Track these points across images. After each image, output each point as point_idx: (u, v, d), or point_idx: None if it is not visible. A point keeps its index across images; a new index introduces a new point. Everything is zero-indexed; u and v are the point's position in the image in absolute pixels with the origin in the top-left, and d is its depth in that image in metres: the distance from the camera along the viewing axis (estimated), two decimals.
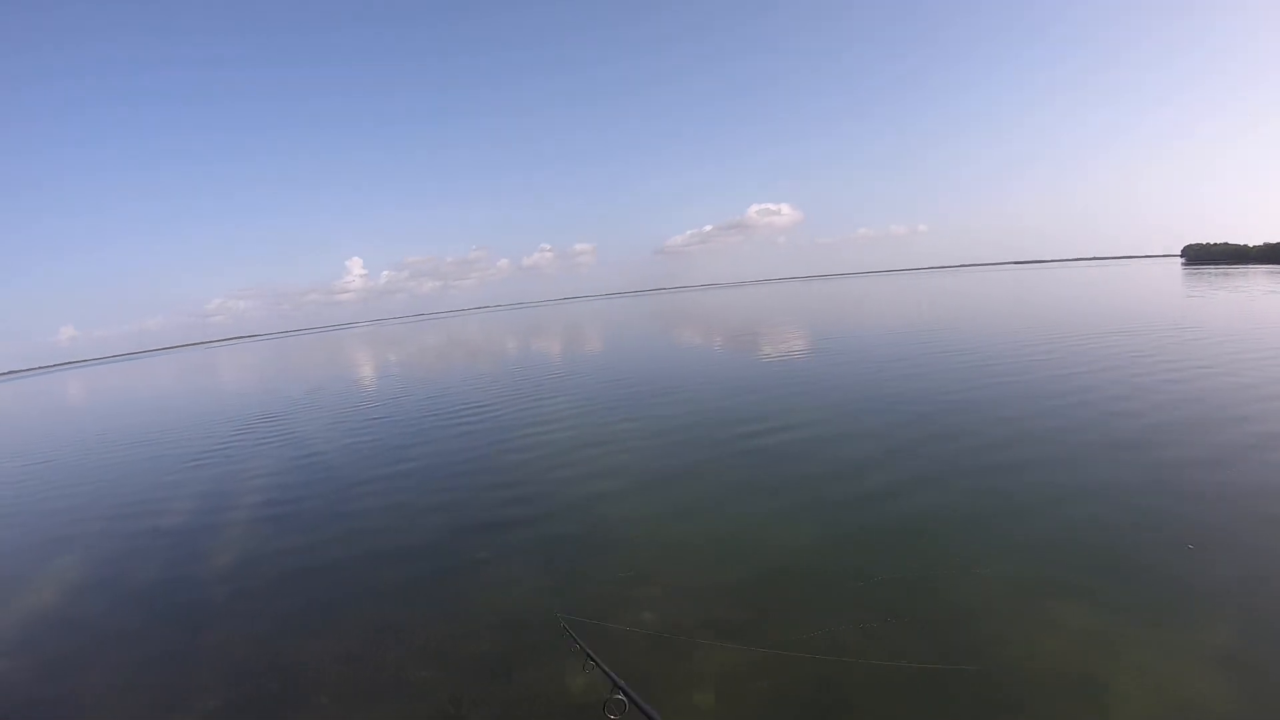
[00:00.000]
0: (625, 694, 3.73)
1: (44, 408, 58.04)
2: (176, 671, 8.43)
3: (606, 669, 4.23)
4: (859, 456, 13.63)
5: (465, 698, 6.89)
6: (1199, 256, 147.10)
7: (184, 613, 10.22)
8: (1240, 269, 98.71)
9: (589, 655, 4.75)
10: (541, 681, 7.00)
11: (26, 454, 29.11)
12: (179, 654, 8.89)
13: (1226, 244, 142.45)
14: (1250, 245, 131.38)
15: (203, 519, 14.91)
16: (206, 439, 25.62)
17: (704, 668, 6.81)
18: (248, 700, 7.54)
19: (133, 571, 12.31)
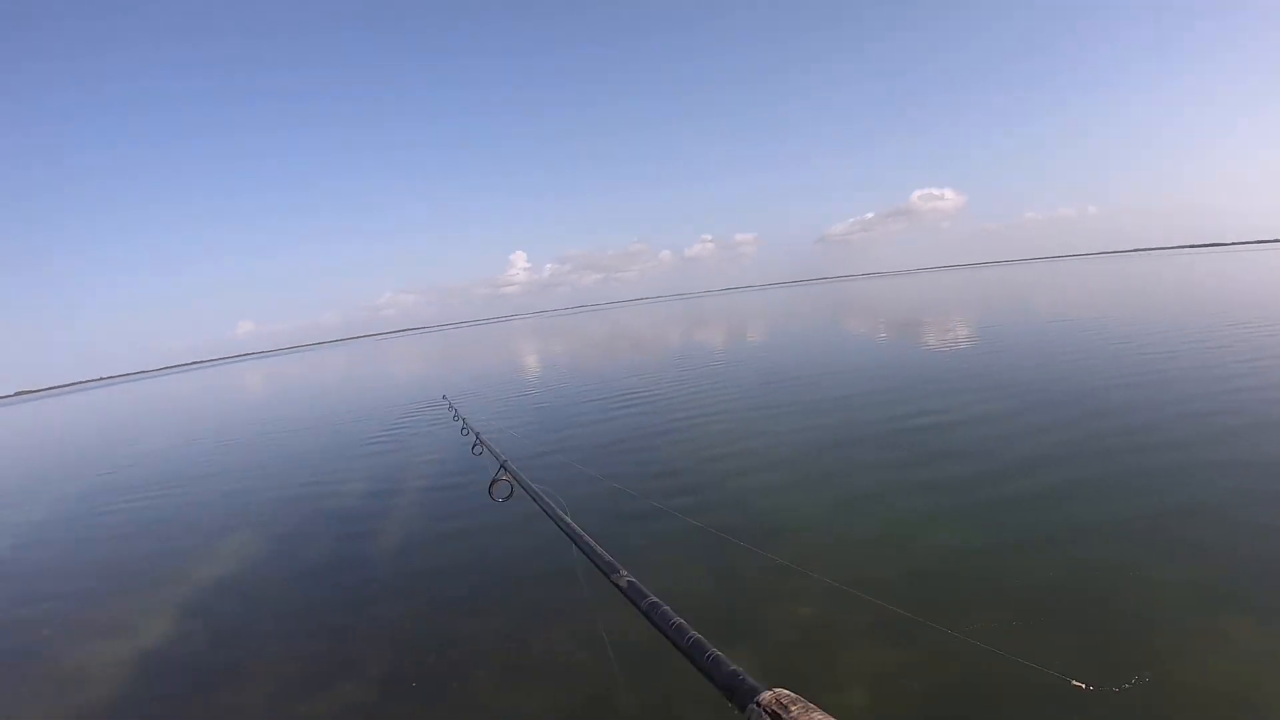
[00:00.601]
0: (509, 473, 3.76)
1: (223, 396, 63.80)
2: (341, 643, 8.72)
3: (495, 451, 4.15)
4: (1027, 453, 12.67)
5: (620, 681, 6.80)
6: None
7: (349, 589, 10.57)
8: None
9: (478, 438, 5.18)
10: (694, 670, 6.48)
11: (207, 437, 32.01)
12: (343, 627, 9.18)
13: None
14: None
15: (370, 501, 15.58)
16: (377, 425, 27.06)
17: (858, 666, 6.61)
18: (409, 673, 7.74)
19: (303, 548, 12.93)
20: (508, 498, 5.00)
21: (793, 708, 0.83)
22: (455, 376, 47.01)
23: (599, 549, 1.75)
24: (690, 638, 1.14)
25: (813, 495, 11.72)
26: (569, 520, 2.13)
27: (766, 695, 0.88)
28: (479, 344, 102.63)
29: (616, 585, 1.46)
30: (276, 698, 7.69)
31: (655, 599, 1.29)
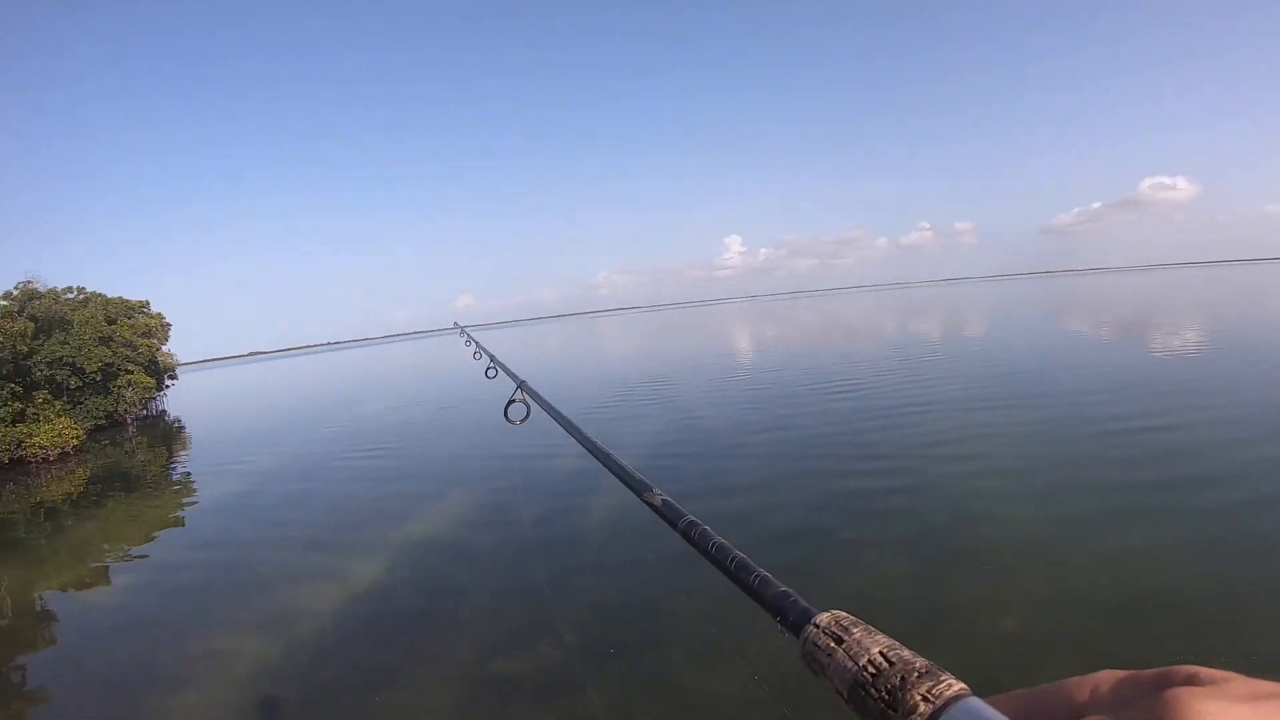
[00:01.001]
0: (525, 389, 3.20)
1: (450, 365, 68.78)
2: (539, 606, 9.37)
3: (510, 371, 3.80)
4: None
5: (804, 676, 7.21)
6: None
7: (553, 553, 11.38)
8: None
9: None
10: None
11: (426, 402, 35.74)
12: (540, 590, 9.86)
13: None
14: None
15: (582, 473, 15.92)
16: (600, 396, 28.63)
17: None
18: (603, 640, 8.28)
19: (513, 513, 14.03)
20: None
21: (854, 629, 0.77)
22: (669, 355, 48.34)
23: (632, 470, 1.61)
24: (734, 558, 1.03)
25: (1033, 503, 11.14)
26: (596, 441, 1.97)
27: (824, 616, 0.83)
28: (692, 325, 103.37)
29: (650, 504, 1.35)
30: (479, 652, 8.36)
31: (693, 517, 1.18)
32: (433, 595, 10.44)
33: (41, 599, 13.24)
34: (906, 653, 0.68)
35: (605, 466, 1.79)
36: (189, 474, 24.53)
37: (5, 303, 40.24)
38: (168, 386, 53.47)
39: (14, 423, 32.45)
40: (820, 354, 38.07)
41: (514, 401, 3.11)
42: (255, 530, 15.46)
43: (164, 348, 51.83)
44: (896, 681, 0.64)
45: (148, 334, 47.72)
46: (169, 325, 51.73)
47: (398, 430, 27.43)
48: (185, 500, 20.46)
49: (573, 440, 2.11)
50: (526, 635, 8.63)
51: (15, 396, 33.42)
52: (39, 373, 38.69)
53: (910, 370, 27.28)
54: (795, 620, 0.87)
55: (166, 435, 38.89)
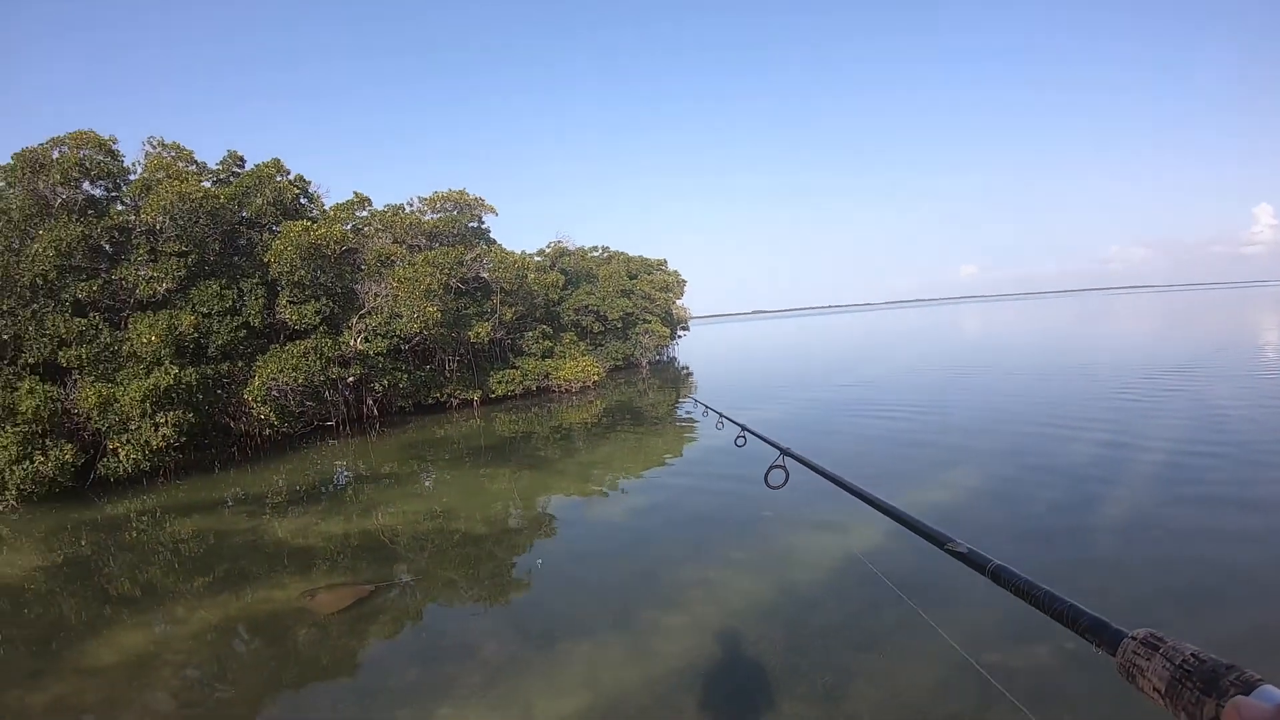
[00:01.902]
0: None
1: (940, 332, 65.67)
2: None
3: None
4: None
5: None
6: None
7: (1074, 534, 10.44)
8: None
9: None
10: None
11: (939, 369, 34.83)
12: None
13: None
14: None
15: (1101, 451, 15.34)
16: (1117, 380, 26.39)
17: None
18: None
19: (1026, 492, 13.02)
20: None
21: (1166, 640, 0.91)
22: (1196, 343, 41.43)
23: None
24: (1043, 590, 1.19)
25: None
26: None
27: (1138, 632, 0.97)
28: (1218, 310, 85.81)
29: None
30: (973, 640, 7.62)
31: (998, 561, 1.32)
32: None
33: (548, 503, 15.40)
34: (1213, 654, 0.86)
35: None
36: (690, 416, 26.65)
37: (539, 258, 48.12)
38: (679, 336, 59.22)
39: (544, 358, 38.67)
40: None
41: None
42: (754, 472, 15.92)
43: (678, 301, 56.96)
44: (1208, 674, 0.83)
45: (665, 288, 53.09)
46: (684, 281, 56.73)
47: (914, 394, 27.38)
48: (686, 437, 22.34)
49: None
50: None
51: (546, 336, 39.87)
52: (566, 317, 45.62)
53: None
54: (1110, 638, 1.04)
55: (674, 379, 43.25)
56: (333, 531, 13.99)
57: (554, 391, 37.31)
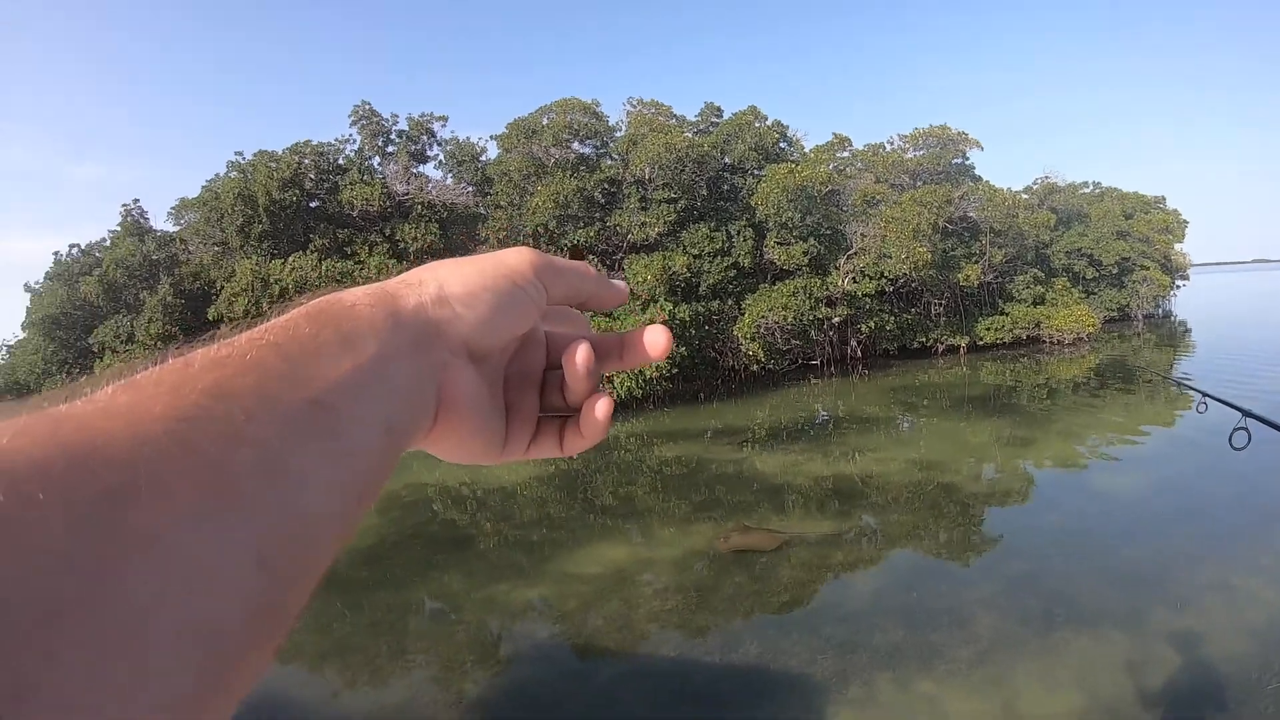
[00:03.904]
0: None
1: None
2: None
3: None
4: None
5: None
6: None
7: None
8: None
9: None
10: None
11: None
12: None
13: None
14: None
15: None
16: None
17: None
18: None
19: None
20: None
21: None
22: None
23: None
24: None
25: None
26: None
27: None
28: None
29: None
30: None
31: None
32: None
33: (1030, 465, 14.29)
34: None
35: None
36: (1188, 383, 21.87)
37: (1025, 196, 43.24)
38: (1178, 287, 50.98)
39: (1035, 304, 35.40)
40: None
41: None
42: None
43: (1177, 246, 49.27)
44: None
45: (1164, 229, 45.89)
46: (1185, 223, 48.78)
47: None
48: (1178, 410, 18.99)
49: None
50: None
51: (1037, 281, 36.32)
52: (1057, 261, 40.70)
53: None
54: None
55: (1171, 336, 38.08)
56: (810, 470, 14.27)
57: (1043, 342, 34.25)
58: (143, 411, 0.30)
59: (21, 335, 30.63)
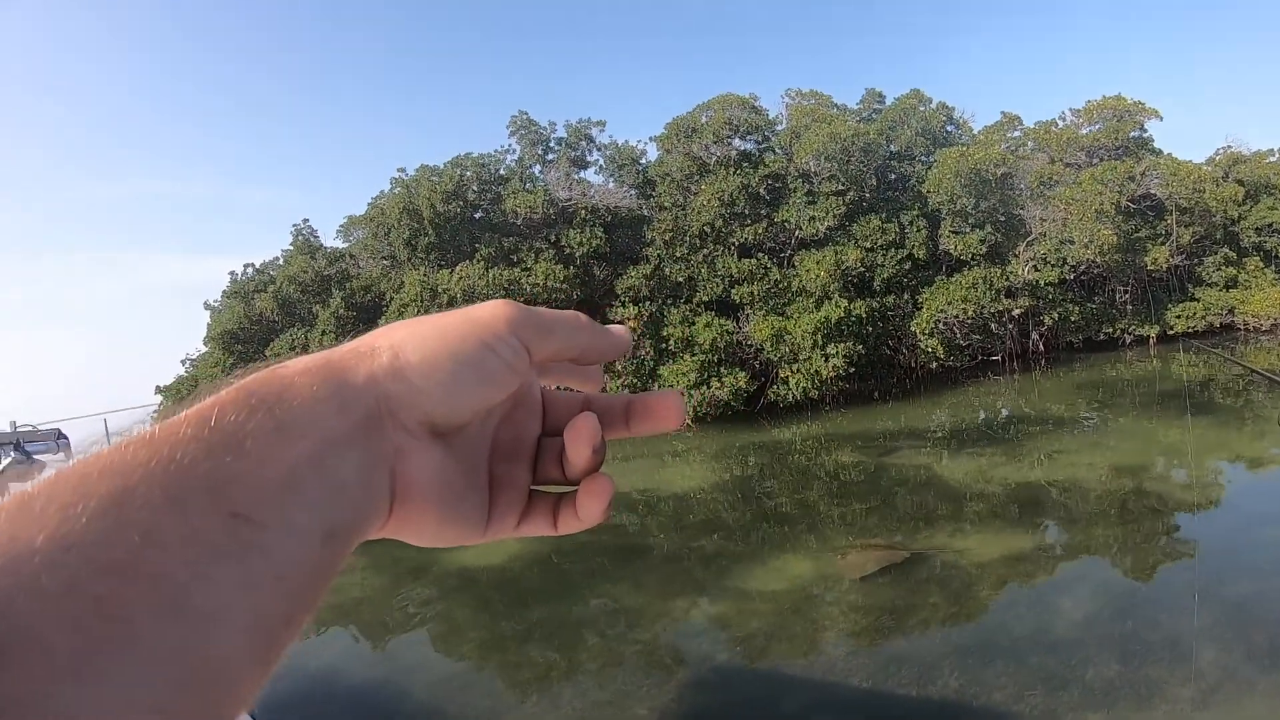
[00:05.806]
0: None
1: None
2: None
3: None
4: None
5: None
6: None
7: None
8: None
9: None
10: None
11: None
12: None
13: None
14: None
15: None
16: None
17: None
18: None
19: None
20: None
21: None
22: None
23: None
24: None
25: None
26: None
27: None
28: None
29: None
30: None
31: None
32: None
33: (1226, 472, 13.28)
34: None
35: None
36: None
37: (1209, 168, 39.66)
38: None
39: (1228, 288, 32.42)
40: None
41: None
42: None
43: None
44: None
45: None
46: None
47: None
48: None
49: None
50: None
51: (1228, 262, 33.23)
52: (1246, 239, 37.15)
53: None
54: None
55: None
56: (997, 475, 13.53)
57: (1238, 329, 31.59)
58: (22, 544, 0.26)
59: (204, 349, 32.18)
